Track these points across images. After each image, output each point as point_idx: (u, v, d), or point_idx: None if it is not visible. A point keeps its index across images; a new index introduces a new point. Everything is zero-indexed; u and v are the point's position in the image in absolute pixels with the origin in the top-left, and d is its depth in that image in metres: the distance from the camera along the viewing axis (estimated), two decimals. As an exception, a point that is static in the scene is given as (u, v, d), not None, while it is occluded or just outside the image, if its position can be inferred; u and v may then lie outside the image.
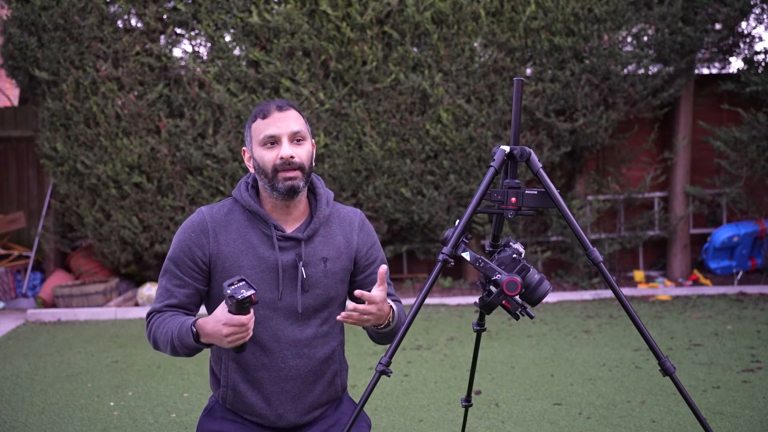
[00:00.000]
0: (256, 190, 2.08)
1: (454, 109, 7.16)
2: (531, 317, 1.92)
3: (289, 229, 2.04)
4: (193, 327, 1.89)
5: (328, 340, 2.10)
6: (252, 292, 1.75)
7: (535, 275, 1.95)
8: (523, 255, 2.03)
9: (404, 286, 7.86)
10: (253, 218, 2.03)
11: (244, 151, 2.07)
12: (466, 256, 1.98)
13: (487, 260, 1.97)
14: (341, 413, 2.16)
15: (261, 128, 1.99)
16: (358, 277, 2.15)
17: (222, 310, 1.81)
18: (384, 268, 1.91)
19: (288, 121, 1.98)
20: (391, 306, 2.00)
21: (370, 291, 2.15)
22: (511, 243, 2.07)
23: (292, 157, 1.95)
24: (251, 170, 2.04)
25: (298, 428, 2.12)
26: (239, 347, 1.85)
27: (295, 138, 1.98)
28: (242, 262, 1.99)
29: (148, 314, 2.05)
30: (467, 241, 2.04)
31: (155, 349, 2.04)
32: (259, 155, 1.99)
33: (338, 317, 1.89)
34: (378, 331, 2.03)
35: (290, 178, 1.96)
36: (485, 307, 2.02)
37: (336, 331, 2.12)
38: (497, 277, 1.92)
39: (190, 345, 1.91)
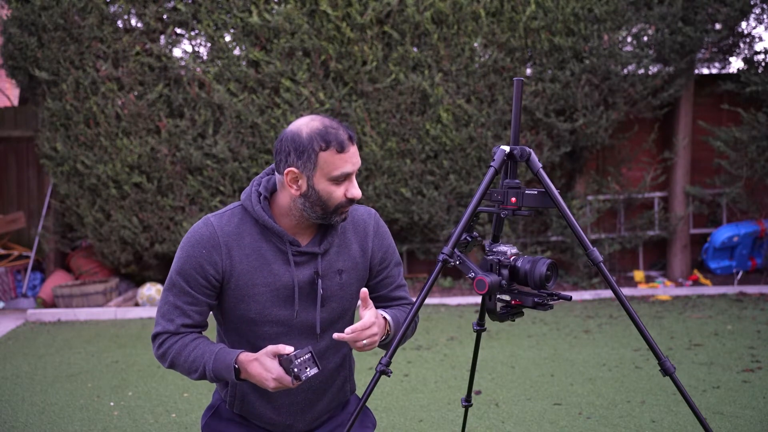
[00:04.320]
0: (268, 198, 1.95)
1: (454, 109, 7.16)
2: (567, 299, 1.92)
3: (304, 242, 1.94)
4: (234, 364, 1.84)
5: (339, 348, 2.05)
6: (316, 371, 1.78)
7: (525, 265, 1.94)
8: (506, 255, 1.99)
9: (404, 286, 7.86)
10: (267, 231, 1.91)
11: (290, 172, 1.83)
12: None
13: (464, 257, 1.96)
14: (347, 413, 2.15)
15: (337, 163, 1.81)
16: (371, 282, 2.08)
17: (273, 362, 1.79)
18: (365, 291, 1.85)
19: (357, 155, 1.87)
20: (385, 317, 1.93)
21: (382, 294, 2.10)
22: (494, 248, 2.03)
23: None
24: (294, 192, 1.85)
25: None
26: None
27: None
28: (256, 280, 1.89)
29: (159, 334, 1.93)
30: (479, 240, 2.03)
31: (169, 368, 1.96)
32: (324, 189, 1.83)
33: (334, 336, 1.82)
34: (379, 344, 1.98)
35: (345, 213, 1.90)
36: (499, 317, 2.02)
37: None
38: (470, 275, 1.93)
39: (226, 379, 1.88)
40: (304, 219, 1.90)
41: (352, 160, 1.84)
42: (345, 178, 1.84)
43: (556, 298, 1.94)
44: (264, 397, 2.00)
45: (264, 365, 1.79)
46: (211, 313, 2.03)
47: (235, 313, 1.94)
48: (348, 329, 1.79)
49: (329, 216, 1.88)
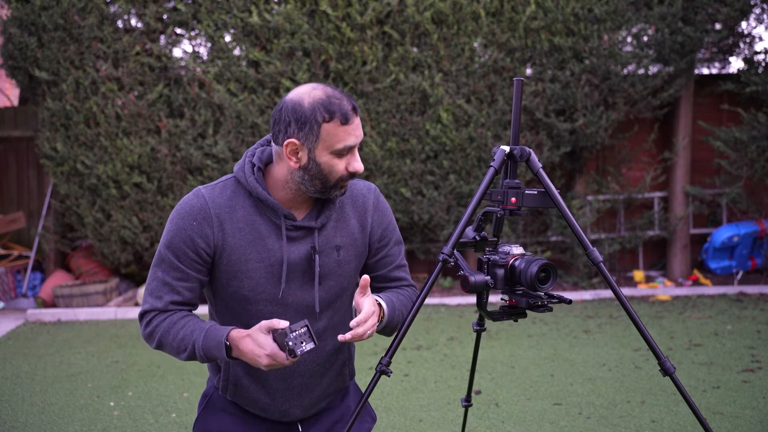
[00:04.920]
0: (262, 169, 1.87)
1: (454, 109, 7.16)
2: (567, 302, 1.88)
3: (300, 216, 1.85)
4: (226, 341, 1.74)
5: (338, 330, 1.92)
6: (312, 346, 1.68)
7: (521, 265, 1.93)
8: (505, 255, 1.98)
9: (404, 286, 7.85)
10: (261, 204, 1.82)
11: (290, 143, 1.75)
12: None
13: (460, 256, 1.96)
14: (347, 406, 2.06)
15: (340, 135, 1.74)
16: (370, 261, 1.98)
17: (266, 337, 1.70)
18: (366, 278, 1.78)
19: (360, 128, 1.78)
20: (380, 303, 1.85)
21: (381, 274, 2.00)
22: (498, 248, 2.03)
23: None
24: (293, 165, 1.77)
25: (303, 421, 2.01)
26: None
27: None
28: (250, 255, 1.80)
29: (147, 312, 1.84)
30: (491, 240, 2.03)
31: (157, 348, 1.86)
32: (326, 162, 1.75)
33: (339, 338, 1.74)
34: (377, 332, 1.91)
35: (345, 186, 1.82)
36: (491, 316, 2.02)
37: (347, 320, 1.94)
38: (460, 272, 1.92)
39: (218, 358, 1.78)
40: (302, 193, 1.82)
41: (355, 132, 1.76)
42: (348, 151, 1.77)
43: (555, 300, 1.93)
44: (258, 381, 1.91)
45: (257, 341, 1.70)
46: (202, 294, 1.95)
47: (228, 291, 1.85)
48: (352, 322, 1.73)
49: (329, 190, 1.80)
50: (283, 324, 1.69)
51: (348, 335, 1.73)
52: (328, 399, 2.02)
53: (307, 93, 1.75)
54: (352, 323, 1.73)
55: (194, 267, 1.82)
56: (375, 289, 2.02)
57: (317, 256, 1.83)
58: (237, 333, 1.75)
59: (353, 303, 1.80)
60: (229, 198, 1.82)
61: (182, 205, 1.82)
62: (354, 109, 1.75)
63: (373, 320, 1.76)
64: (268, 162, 1.86)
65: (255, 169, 1.83)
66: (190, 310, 1.89)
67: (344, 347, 2.01)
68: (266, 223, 1.82)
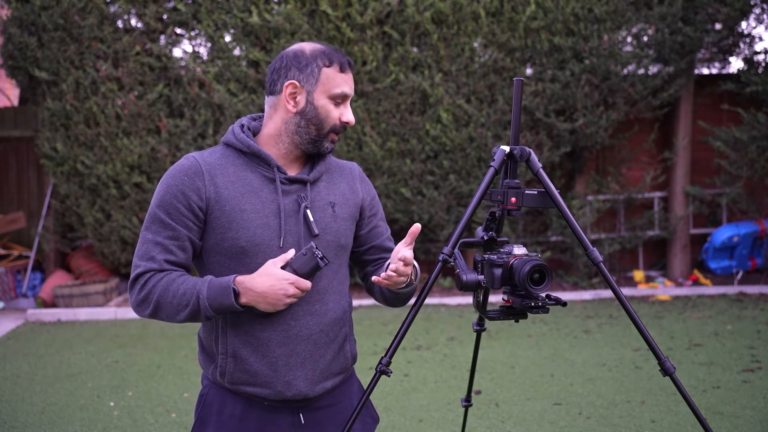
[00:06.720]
0: (251, 130, 1.92)
1: (454, 109, 7.16)
2: (562, 304, 1.89)
3: (292, 173, 1.87)
4: (233, 285, 1.71)
5: (340, 298, 1.91)
6: (327, 263, 1.75)
7: (517, 265, 1.93)
8: (503, 255, 1.98)
9: (404, 286, 7.85)
10: (251, 161, 1.83)
11: (291, 84, 1.81)
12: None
13: (460, 255, 1.96)
14: (351, 407, 1.99)
15: (338, 81, 1.82)
16: (362, 231, 1.99)
17: (277, 269, 1.71)
18: (417, 226, 1.78)
19: (353, 84, 1.88)
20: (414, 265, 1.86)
21: (375, 244, 2.03)
22: (501, 248, 2.02)
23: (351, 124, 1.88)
24: (291, 108, 1.81)
25: (306, 406, 1.91)
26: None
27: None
28: (244, 206, 1.78)
29: (142, 274, 1.76)
30: (501, 240, 2.03)
31: (151, 316, 1.79)
32: (323, 105, 1.81)
33: (373, 279, 1.77)
34: (398, 291, 1.90)
35: (335, 141, 1.88)
36: (487, 315, 2.02)
37: (346, 288, 1.94)
38: (457, 271, 1.92)
39: (223, 306, 1.72)
40: (294, 145, 1.85)
41: (350, 83, 1.85)
42: (342, 100, 1.84)
43: (551, 301, 1.93)
44: (258, 350, 1.82)
45: (275, 275, 1.71)
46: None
47: (224, 246, 1.80)
48: (392, 267, 1.74)
49: (321, 139, 1.84)
50: (290, 254, 1.74)
51: (383, 275, 1.76)
52: (332, 379, 1.94)
53: (307, 44, 1.86)
54: (392, 267, 1.74)
55: (186, 224, 1.78)
56: (370, 261, 2.05)
57: (308, 203, 1.84)
58: (244, 277, 1.74)
59: (393, 252, 1.82)
60: (219, 158, 1.84)
61: (172, 168, 1.83)
62: (349, 63, 1.85)
63: (408, 270, 1.78)
64: (255, 132, 1.91)
65: (244, 128, 1.88)
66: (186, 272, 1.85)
67: (346, 318, 1.96)
68: (258, 178, 1.83)
